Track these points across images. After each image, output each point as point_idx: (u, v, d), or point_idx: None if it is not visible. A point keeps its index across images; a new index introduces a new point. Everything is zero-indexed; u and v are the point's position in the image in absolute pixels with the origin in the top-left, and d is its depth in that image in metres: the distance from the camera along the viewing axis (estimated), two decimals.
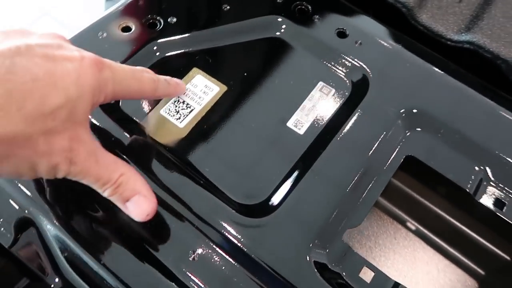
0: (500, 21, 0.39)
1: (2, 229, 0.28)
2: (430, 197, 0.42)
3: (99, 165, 0.24)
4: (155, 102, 0.33)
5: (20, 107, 0.20)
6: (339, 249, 0.29)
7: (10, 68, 0.20)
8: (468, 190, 0.32)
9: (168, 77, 0.31)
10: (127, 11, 0.37)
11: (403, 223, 0.42)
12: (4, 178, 0.29)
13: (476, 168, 0.33)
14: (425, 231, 0.42)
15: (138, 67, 0.28)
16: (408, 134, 0.34)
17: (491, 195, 0.33)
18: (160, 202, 0.29)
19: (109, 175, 0.24)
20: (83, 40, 0.35)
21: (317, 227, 0.29)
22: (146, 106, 0.33)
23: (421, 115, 0.34)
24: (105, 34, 0.36)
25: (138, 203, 0.25)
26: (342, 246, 0.29)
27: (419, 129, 0.34)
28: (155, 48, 0.36)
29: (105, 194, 0.25)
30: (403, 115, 0.34)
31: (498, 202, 0.32)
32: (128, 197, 0.25)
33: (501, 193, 0.33)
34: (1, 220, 0.28)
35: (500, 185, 0.33)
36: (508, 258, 0.40)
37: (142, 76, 0.28)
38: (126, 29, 0.36)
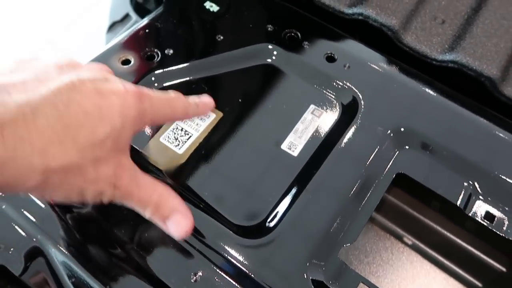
0: (482, 40, 0.41)
1: (12, 258, 0.29)
2: (425, 212, 0.43)
3: (139, 188, 0.26)
4: (155, 130, 0.35)
5: (75, 139, 0.22)
6: (336, 266, 0.30)
7: (67, 103, 0.22)
8: (458, 205, 0.33)
9: (197, 100, 0.32)
10: (126, 45, 0.39)
11: (399, 238, 0.43)
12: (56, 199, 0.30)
13: (465, 183, 0.34)
14: (422, 246, 0.43)
15: (172, 95, 0.30)
16: (397, 152, 0.36)
17: (481, 209, 0.34)
18: None
19: (149, 197, 0.26)
20: None
21: (314, 245, 0.30)
22: (146, 134, 0.35)
23: (409, 134, 0.36)
24: None
25: (178, 222, 0.27)
26: (339, 263, 0.30)
27: (407, 147, 0.36)
28: (153, 79, 0.38)
29: (147, 215, 0.26)
30: (391, 134, 0.36)
31: (488, 216, 0.33)
32: (168, 216, 0.27)
33: (491, 207, 0.34)
34: (12, 249, 0.30)
35: (489, 199, 0.34)
36: (503, 269, 0.40)
37: (176, 103, 0.30)
38: (126, 62, 0.38)
